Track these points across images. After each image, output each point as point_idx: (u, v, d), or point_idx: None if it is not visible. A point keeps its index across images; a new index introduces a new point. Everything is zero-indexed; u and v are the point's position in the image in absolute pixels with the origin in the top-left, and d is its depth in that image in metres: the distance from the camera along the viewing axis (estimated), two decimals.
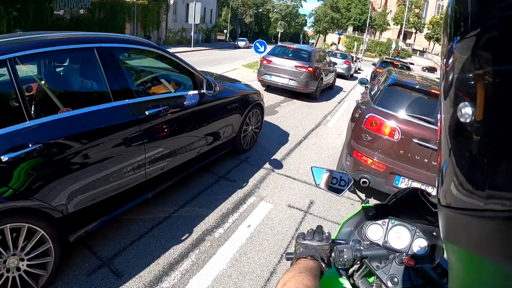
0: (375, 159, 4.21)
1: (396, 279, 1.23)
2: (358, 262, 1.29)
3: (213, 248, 3.20)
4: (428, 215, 1.49)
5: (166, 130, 3.35)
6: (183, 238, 3.27)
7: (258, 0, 79.05)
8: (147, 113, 3.03)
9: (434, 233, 1.50)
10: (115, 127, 2.77)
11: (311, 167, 1.72)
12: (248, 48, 38.47)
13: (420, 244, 1.44)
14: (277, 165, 5.28)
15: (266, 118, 7.07)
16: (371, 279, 1.39)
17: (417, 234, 1.46)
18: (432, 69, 47.53)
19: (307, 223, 3.91)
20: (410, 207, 1.54)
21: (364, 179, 4.25)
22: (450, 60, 0.48)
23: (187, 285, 2.74)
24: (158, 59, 3.87)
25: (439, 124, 0.54)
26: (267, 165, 5.16)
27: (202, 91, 3.84)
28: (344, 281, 1.35)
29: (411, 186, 1.55)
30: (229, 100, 4.50)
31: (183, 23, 34.49)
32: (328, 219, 4.12)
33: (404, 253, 1.35)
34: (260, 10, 78.48)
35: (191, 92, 3.74)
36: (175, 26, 34.45)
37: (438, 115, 0.55)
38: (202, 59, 19.10)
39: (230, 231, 3.49)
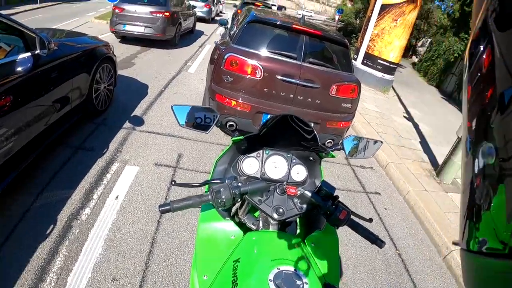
0: (239, 100, 4.08)
1: (281, 210, 1.22)
2: (239, 200, 1.23)
3: (83, 233, 2.79)
4: (302, 141, 1.51)
5: (1, 105, 2.65)
6: (48, 231, 2.76)
7: None
8: None
9: (311, 158, 1.59)
10: None
11: (171, 106, 1.52)
12: None
13: (298, 170, 1.48)
14: (138, 122, 4.80)
15: (122, 71, 6.51)
16: (256, 214, 1.41)
17: (294, 161, 1.49)
18: (280, 7, 52.04)
19: (178, 179, 3.68)
20: (283, 135, 1.53)
21: (231, 122, 4.13)
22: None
23: (66, 285, 2.35)
24: None
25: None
26: (127, 124, 4.66)
27: (36, 52, 3.17)
28: (227, 223, 1.31)
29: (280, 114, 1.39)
30: (72, 57, 3.81)
31: None
32: (200, 170, 3.97)
33: (285, 182, 1.33)
34: None
35: (22, 55, 3.04)
36: None
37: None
38: (51, 16, 16.70)
39: (98, 209, 3.07)
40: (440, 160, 5.62)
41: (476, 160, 0.49)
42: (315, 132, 1.45)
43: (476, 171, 0.49)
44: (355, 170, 4.97)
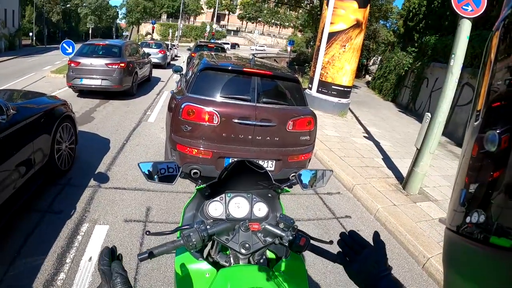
0: (200, 148, 4.14)
1: (247, 245, 1.32)
2: (208, 241, 1.35)
3: None
4: (259, 181, 1.67)
5: None
6: None
7: None
8: None
9: (269, 195, 1.70)
10: None
11: (138, 164, 1.63)
12: None
13: (259, 207, 1.61)
14: (103, 178, 4.75)
15: (82, 127, 6.44)
16: (227, 252, 1.47)
17: (254, 199, 1.62)
18: (234, 45, 54.04)
19: None
20: (242, 178, 1.66)
21: (195, 170, 4.17)
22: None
23: None
24: None
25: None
26: (92, 182, 4.60)
27: None
28: (200, 263, 1.41)
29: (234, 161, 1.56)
30: (31, 120, 3.79)
31: None
32: (170, 221, 3.93)
33: (247, 220, 1.43)
34: (68, 5, 70.01)
35: None
36: None
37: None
38: (7, 72, 16.51)
39: (73, 273, 2.98)
40: (404, 173, 5.85)
41: (468, 217, 0.53)
42: (267, 171, 1.60)
43: (467, 224, 0.53)
44: (323, 198, 5.08)
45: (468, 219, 0.53)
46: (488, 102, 0.56)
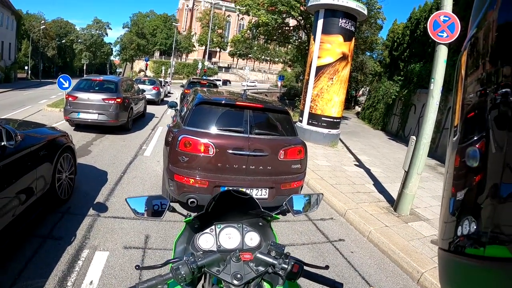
0: (197, 178, 4.33)
1: (239, 275, 1.28)
2: (199, 274, 1.30)
3: None
4: (249, 209, 1.65)
5: None
6: None
7: (61, 31, 72.36)
8: None
9: (260, 223, 1.68)
10: None
11: (126, 199, 1.62)
12: None
13: (251, 237, 1.60)
14: (102, 208, 4.86)
15: (79, 160, 6.53)
16: (221, 285, 1.41)
17: (245, 229, 1.60)
18: (225, 81, 56.35)
19: (149, 259, 3.73)
20: (232, 208, 1.65)
21: (192, 199, 4.33)
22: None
23: None
24: None
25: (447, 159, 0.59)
26: (91, 211, 4.70)
27: (2, 144, 3.25)
28: None
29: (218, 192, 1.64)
30: (35, 148, 3.93)
31: None
32: (169, 248, 4.00)
33: (237, 250, 1.42)
34: (64, 41, 71.75)
35: None
36: None
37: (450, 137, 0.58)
38: (3, 103, 16.64)
39: None
40: (395, 196, 6.03)
41: (459, 228, 0.54)
42: (252, 197, 1.61)
43: (459, 238, 0.53)
44: (316, 224, 5.22)
45: (459, 231, 0.53)
46: (464, 115, 0.60)
